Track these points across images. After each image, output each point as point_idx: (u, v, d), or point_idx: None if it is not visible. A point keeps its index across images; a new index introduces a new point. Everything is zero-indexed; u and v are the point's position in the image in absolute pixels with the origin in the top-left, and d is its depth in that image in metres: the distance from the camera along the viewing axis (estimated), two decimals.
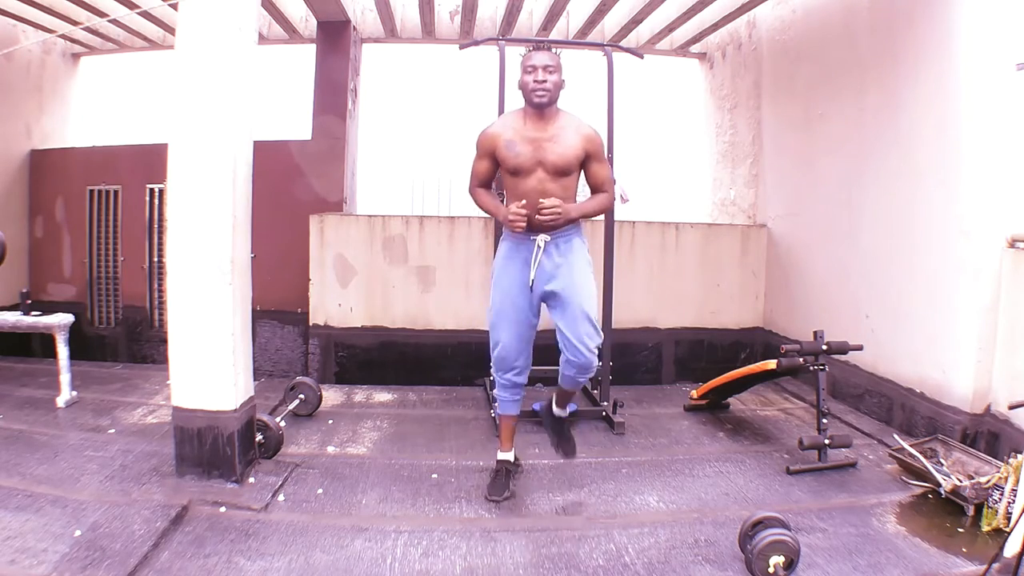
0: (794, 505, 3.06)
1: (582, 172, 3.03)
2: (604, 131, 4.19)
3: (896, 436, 3.54)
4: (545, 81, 2.82)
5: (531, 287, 2.94)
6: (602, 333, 3.12)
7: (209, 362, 3.07)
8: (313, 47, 6.22)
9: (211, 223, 3.01)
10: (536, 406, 4.20)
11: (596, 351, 2.97)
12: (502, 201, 3.16)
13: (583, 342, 2.89)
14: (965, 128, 3.58)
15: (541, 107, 2.86)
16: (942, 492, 3.00)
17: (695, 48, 6.76)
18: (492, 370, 3.17)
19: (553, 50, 2.93)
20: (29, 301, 4.33)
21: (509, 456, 3.18)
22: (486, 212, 3.18)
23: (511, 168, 2.90)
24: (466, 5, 5.87)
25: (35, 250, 6.43)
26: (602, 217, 4.33)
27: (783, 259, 5.49)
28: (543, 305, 3.05)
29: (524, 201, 2.84)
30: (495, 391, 3.23)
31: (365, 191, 7.01)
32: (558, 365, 3.10)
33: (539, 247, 2.90)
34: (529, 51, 2.93)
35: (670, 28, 6.00)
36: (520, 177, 2.89)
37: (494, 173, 3.07)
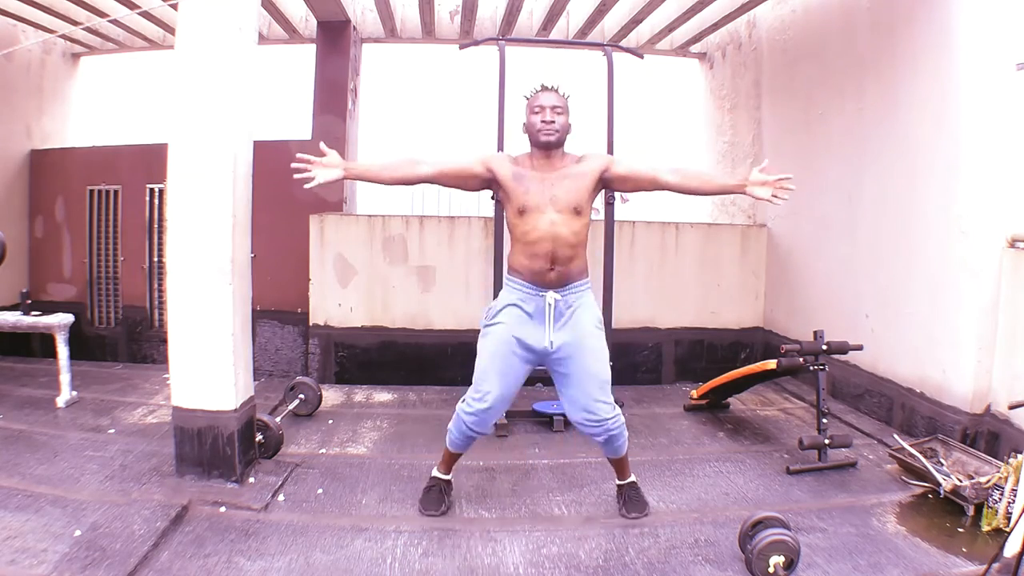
0: (794, 505, 3.06)
1: (606, 199, 2.84)
2: (604, 131, 4.20)
3: (896, 436, 3.54)
4: (553, 121, 2.70)
5: (547, 346, 2.71)
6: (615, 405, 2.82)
7: (209, 362, 3.06)
8: (313, 47, 6.22)
9: (211, 223, 3.01)
10: (536, 406, 4.22)
11: (612, 414, 2.75)
12: (503, 254, 2.87)
13: (593, 411, 2.72)
14: (965, 128, 3.57)
15: (548, 147, 2.72)
16: (942, 492, 3.00)
17: (695, 48, 6.76)
18: (464, 419, 2.80)
19: (561, 93, 2.80)
20: (29, 301, 4.33)
21: (448, 478, 3.02)
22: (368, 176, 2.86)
23: (519, 205, 2.69)
24: (466, 5, 5.87)
25: (35, 250, 6.43)
26: (602, 217, 4.33)
27: (783, 259, 5.49)
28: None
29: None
30: (452, 428, 2.88)
31: (365, 191, 7.01)
32: None
33: (549, 305, 2.70)
34: (535, 92, 2.80)
35: (670, 28, 6.00)
36: (529, 217, 2.68)
37: (467, 183, 2.83)
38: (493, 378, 2.75)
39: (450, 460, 3.01)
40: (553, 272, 2.70)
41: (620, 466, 2.99)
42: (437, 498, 2.97)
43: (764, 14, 5.65)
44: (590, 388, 2.74)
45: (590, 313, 2.79)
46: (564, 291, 2.73)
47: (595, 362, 2.75)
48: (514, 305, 2.76)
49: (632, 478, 3.02)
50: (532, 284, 2.73)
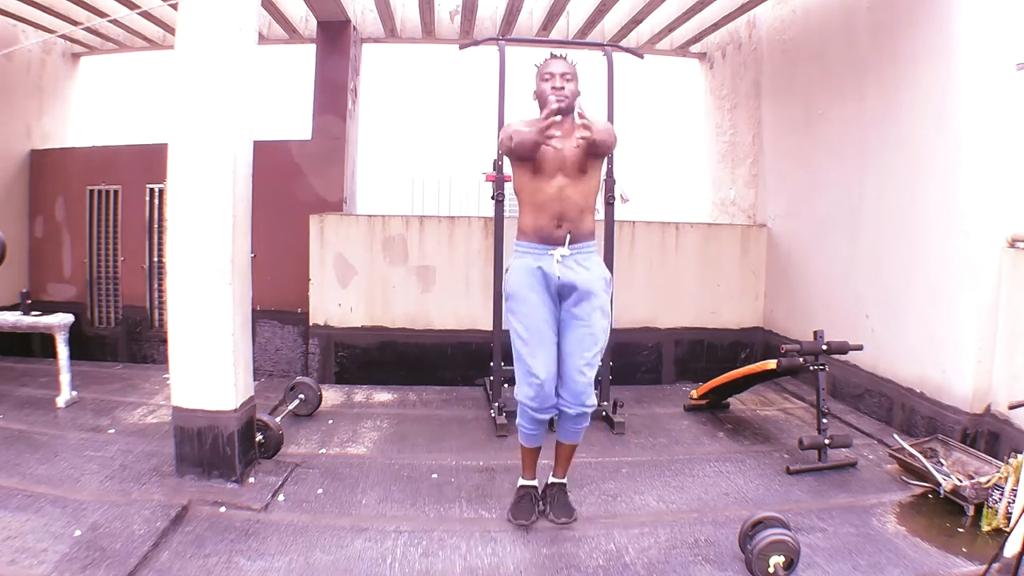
0: (794, 505, 3.06)
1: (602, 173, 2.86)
2: None
3: (896, 436, 3.54)
4: (563, 88, 2.75)
5: (554, 298, 2.75)
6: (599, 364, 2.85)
7: (209, 362, 3.07)
8: (313, 47, 6.22)
9: (211, 223, 3.01)
10: None
11: (591, 386, 2.78)
12: (509, 215, 2.91)
13: (580, 371, 2.74)
14: (965, 128, 3.58)
15: (559, 114, 2.72)
16: (942, 492, 3.00)
17: (695, 48, 6.76)
18: (527, 404, 2.78)
19: (570, 61, 2.85)
20: (29, 301, 4.33)
21: (535, 483, 2.98)
22: (526, 141, 2.69)
23: (535, 165, 2.74)
24: (466, 5, 5.87)
25: (35, 250, 6.43)
26: (602, 217, 4.33)
27: (783, 259, 5.49)
28: None
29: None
30: (521, 421, 2.87)
31: (365, 191, 7.02)
32: None
33: (557, 261, 2.74)
34: (545, 60, 2.85)
35: (670, 28, 6.00)
36: (541, 179, 2.74)
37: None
38: (536, 351, 2.74)
39: (529, 461, 2.96)
40: (561, 229, 2.73)
41: (566, 458, 2.95)
42: (529, 507, 2.92)
43: (764, 14, 5.65)
44: (580, 356, 2.75)
45: (597, 274, 2.80)
46: (572, 248, 2.75)
47: (596, 325, 2.76)
48: (527, 271, 2.76)
49: (566, 480, 3.01)
50: (540, 244, 2.76)
